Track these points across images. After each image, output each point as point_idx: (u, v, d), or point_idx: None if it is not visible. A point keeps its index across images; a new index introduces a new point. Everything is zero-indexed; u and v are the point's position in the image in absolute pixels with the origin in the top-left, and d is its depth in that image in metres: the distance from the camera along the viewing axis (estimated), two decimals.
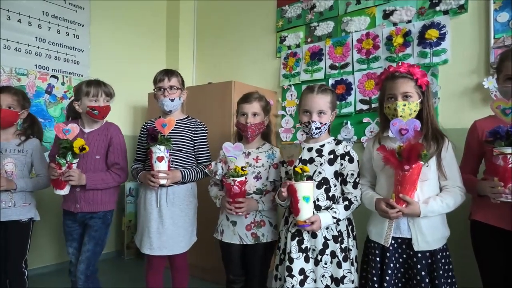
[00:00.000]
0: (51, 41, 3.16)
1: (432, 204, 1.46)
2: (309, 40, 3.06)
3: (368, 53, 2.71)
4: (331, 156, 1.66)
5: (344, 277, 1.58)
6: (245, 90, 2.24)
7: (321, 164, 1.65)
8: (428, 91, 1.56)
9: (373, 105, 2.66)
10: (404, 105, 1.51)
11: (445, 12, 2.38)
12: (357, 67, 2.76)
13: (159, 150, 1.83)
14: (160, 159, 1.83)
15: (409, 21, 2.53)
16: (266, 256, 1.88)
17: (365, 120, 2.68)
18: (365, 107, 2.70)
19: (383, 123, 1.67)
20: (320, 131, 1.67)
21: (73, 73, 3.31)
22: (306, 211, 1.52)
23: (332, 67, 2.88)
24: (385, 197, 1.52)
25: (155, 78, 2.03)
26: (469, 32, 2.29)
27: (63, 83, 3.24)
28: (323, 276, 1.59)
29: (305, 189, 1.51)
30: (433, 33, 2.38)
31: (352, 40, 2.79)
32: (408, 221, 1.51)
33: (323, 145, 1.70)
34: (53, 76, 3.17)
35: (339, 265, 1.59)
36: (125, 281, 2.93)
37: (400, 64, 1.59)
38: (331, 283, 1.59)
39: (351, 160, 1.66)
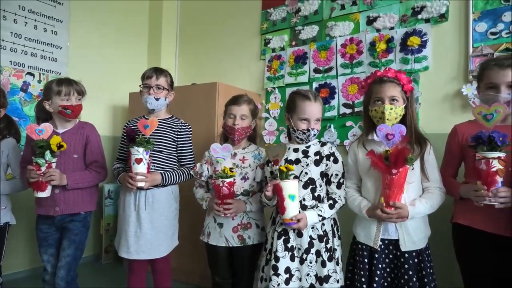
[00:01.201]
0: (27, 37, 3.04)
1: (418, 206, 1.51)
2: (293, 43, 3.07)
3: (351, 58, 2.75)
4: (317, 157, 1.68)
5: (328, 276, 1.59)
6: (230, 91, 2.23)
7: (307, 165, 1.68)
8: (411, 97, 1.62)
9: (356, 109, 2.70)
10: (391, 109, 1.55)
11: (427, 20, 2.45)
12: (340, 71, 2.79)
13: (138, 152, 1.77)
14: (139, 161, 1.78)
15: (392, 28, 2.59)
16: (253, 258, 1.86)
17: (348, 123, 2.71)
18: (348, 111, 2.74)
19: (368, 126, 1.70)
20: (315, 137, 1.73)
21: (50, 70, 3.19)
22: (292, 209, 1.53)
23: (316, 70, 2.91)
24: (374, 204, 1.54)
25: (144, 75, 1.99)
26: (449, 40, 2.36)
27: (39, 81, 3.11)
28: (308, 275, 1.61)
29: (290, 188, 1.53)
30: (415, 40, 2.44)
31: (336, 45, 2.82)
32: (395, 223, 1.54)
33: (308, 146, 1.73)
34: (29, 73, 3.05)
35: (323, 265, 1.60)
36: (103, 286, 2.84)
37: (387, 69, 1.64)
38: (316, 282, 1.60)
39: (335, 161, 1.70)
